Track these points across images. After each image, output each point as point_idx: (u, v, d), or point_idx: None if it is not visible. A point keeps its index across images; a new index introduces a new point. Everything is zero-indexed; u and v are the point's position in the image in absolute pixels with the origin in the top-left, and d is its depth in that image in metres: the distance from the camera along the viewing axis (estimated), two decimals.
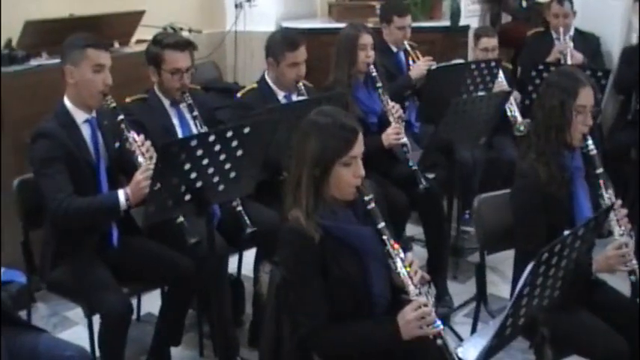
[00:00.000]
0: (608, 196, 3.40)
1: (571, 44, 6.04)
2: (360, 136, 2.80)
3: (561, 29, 6.08)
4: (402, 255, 2.78)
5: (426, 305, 2.69)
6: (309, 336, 2.77)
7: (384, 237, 2.78)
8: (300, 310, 2.78)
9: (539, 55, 6.02)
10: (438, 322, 2.70)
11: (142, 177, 3.47)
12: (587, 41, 6.25)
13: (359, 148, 2.77)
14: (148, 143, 3.65)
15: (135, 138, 3.64)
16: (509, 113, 5.49)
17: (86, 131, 3.73)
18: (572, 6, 6.11)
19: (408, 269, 2.76)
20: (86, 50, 3.64)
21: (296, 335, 2.83)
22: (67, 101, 3.71)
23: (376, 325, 2.79)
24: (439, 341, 2.69)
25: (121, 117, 3.67)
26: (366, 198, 2.78)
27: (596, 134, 3.74)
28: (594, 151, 3.44)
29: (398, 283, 2.80)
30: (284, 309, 2.87)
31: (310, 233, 2.71)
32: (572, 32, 6.16)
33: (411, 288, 2.73)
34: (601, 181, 3.43)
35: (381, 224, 2.78)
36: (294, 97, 4.49)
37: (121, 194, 3.54)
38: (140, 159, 3.58)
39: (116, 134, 3.75)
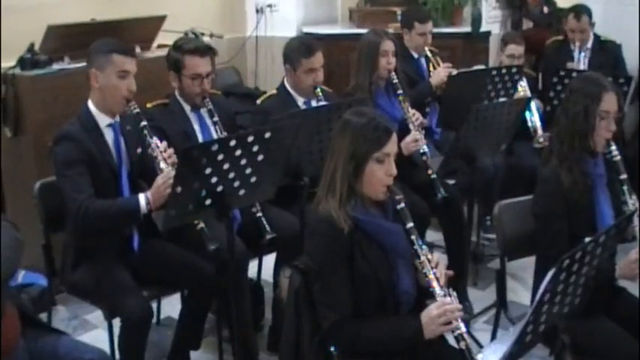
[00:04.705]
0: (632, 202, 3.39)
1: (583, 61, 6.00)
2: (394, 136, 2.86)
3: (577, 43, 6.05)
4: (429, 256, 2.81)
5: (450, 304, 2.71)
6: (332, 329, 2.78)
7: (413, 237, 2.81)
8: (324, 302, 2.80)
9: (558, 64, 5.99)
10: (461, 325, 2.71)
11: (163, 181, 3.49)
12: (607, 51, 6.21)
13: (392, 146, 2.84)
14: (171, 150, 3.66)
15: (157, 144, 3.65)
16: (529, 124, 5.47)
17: (109, 135, 3.75)
18: (590, 19, 6.06)
19: (435, 270, 2.78)
20: (112, 56, 3.65)
21: (318, 333, 2.85)
22: (91, 105, 3.73)
23: (399, 321, 2.82)
24: (462, 344, 2.70)
25: (144, 123, 3.68)
26: (397, 197, 2.83)
27: (619, 140, 3.73)
28: (618, 157, 3.42)
29: (423, 284, 2.83)
30: (305, 309, 2.88)
31: (340, 224, 2.76)
32: (590, 44, 6.13)
33: (437, 289, 2.76)
34: (625, 187, 3.41)
35: (410, 224, 2.82)
36: (314, 103, 4.50)
37: (142, 198, 3.55)
38: (162, 165, 3.59)
39: (138, 140, 3.76)
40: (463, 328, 2.72)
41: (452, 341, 2.87)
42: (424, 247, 2.83)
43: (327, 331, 2.80)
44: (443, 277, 2.80)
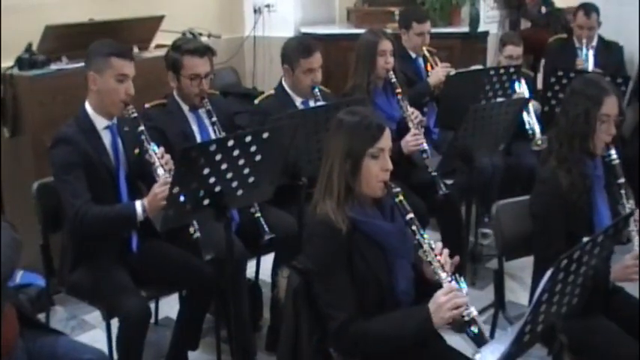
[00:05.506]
0: (629, 205, 3.38)
1: (591, 60, 6.00)
2: (387, 131, 2.86)
3: (584, 40, 6.05)
4: (432, 245, 2.79)
5: (458, 290, 2.69)
6: (341, 328, 2.75)
7: (414, 227, 2.80)
8: (328, 303, 2.78)
9: (561, 62, 5.99)
10: (472, 309, 2.68)
11: (160, 190, 3.48)
12: (611, 51, 6.21)
13: (386, 141, 2.84)
14: (168, 156, 3.66)
15: (155, 150, 3.65)
16: (527, 126, 5.46)
17: (106, 137, 3.75)
18: (598, 17, 6.07)
19: (439, 257, 2.77)
20: (110, 59, 3.64)
21: (316, 333, 2.85)
22: (88, 107, 3.72)
23: (407, 313, 2.79)
24: (474, 328, 2.67)
25: (142, 128, 3.67)
26: (395, 190, 2.82)
27: (619, 143, 3.73)
28: (617, 161, 3.42)
29: (429, 275, 2.81)
30: (303, 308, 2.87)
31: (338, 225, 2.75)
32: (595, 42, 6.13)
33: (443, 275, 2.74)
34: (622, 191, 3.41)
35: (410, 215, 2.81)
36: (312, 104, 4.50)
37: (138, 205, 3.55)
38: (159, 171, 3.59)
39: (136, 141, 3.75)
40: (474, 312, 2.68)
41: (451, 341, 2.87)
42: (426, 236, 2.81)
43: (336, 331, 2.77)
44: (448, 265, 2.78)
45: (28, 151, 4.81)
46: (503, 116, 4.47)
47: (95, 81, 3.67)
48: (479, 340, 2.67)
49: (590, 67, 5.93)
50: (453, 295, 2.66)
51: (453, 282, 2.73)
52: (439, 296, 2.68)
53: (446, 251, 2.81)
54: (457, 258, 2.82)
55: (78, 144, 3.61)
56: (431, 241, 2.81)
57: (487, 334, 2.71)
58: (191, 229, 3.63)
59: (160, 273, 3.84)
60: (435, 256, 2.78)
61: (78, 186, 3.57)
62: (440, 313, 2.65)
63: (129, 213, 3.56)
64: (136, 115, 3.69)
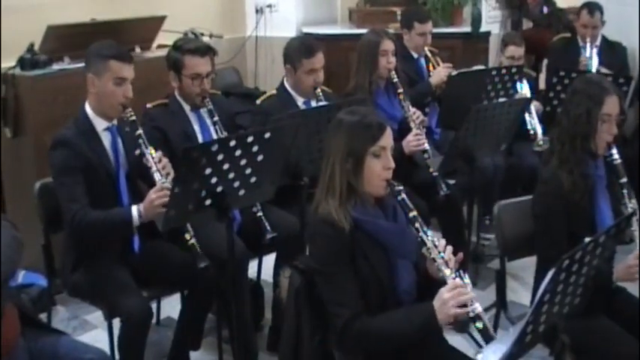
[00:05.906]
0: (631, 205, 3.38)
1: (595, 59, 5.98)
2: (388, 130, 2.85)
3: (588, 39, 6.04)
4: (436, 242, 2.78)
5: (462, 287, 2.67)
6: (345, 327, 2.73)
7: (417, 225, 2.79)
8: (335, 300, 2.77)
9: (565, 61, 5.98)
10: (477, 305, 2.66)
11: (156, 196, 3.48)
12: (615, 51, 6.19)
13: (387, 139, 2.83)
14: (165, 160, 3.65)
15: (152, 155, 3.64)
16: (529, 126, 5.45)
17: (106, 139, 3.74)
18: (602, 16, 6.06)
19: (443, 254, 2.76)
20: (109, 62, 3.63)
21: (318, 333, 2.85)
22: (88, 108, 3.72)
23: (412, 310, 2.78)
24: (479, 324, 2.65)
25: (140, 132, 3.66)
26: (397, 188, 2.82)
27: (620, 143, 3.73)
28: (619, 160, 3.42)
29: (433, 271, 2.80)
30: (305, 308, 2.87)
31: (341, 223, 2.75)
32: (598, 42, 6.11)
33: (447, 272, 2.72)
34: (625, 191, 3.41)
35: (413, 213, 2.80)
36: (313, 104, 4.49)
37: (134, 211, 3.55)
38: (156, 176, 3.59)
39: (137, 142, 3.74)
40: (479, 308, 2.66)
41: (453, 342, 2.86)
42: (429, 233, 2.80)
43: (342, 329, 2.75)
44: (452, 261, 2.76)
45: (29, 151, 4.81)
46: (505, 116, 4.47)
47: (94, 83, 3.66)
48: (485, 335, 2.65)
49: (595, 66, 5.92)
50: (458, 292, 2.64)
51: (458, 278, 2.71)
52: (444, 292, 2.66)
53: (449, 248, 2.79)
54: (461, 255, 2.80)
55: (77, 147, 3.61)
56: (434, 238, 2.80)
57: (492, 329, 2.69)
58: (187, 236, 3.62)
59: (161, 273, 3.84)
60: (439, 252, 2.77)
61: (75, 190, 3.57)
62: (444, 309, 2.64)
63: (124, 219, 3.56)
64: (134, 118, 3.69)
